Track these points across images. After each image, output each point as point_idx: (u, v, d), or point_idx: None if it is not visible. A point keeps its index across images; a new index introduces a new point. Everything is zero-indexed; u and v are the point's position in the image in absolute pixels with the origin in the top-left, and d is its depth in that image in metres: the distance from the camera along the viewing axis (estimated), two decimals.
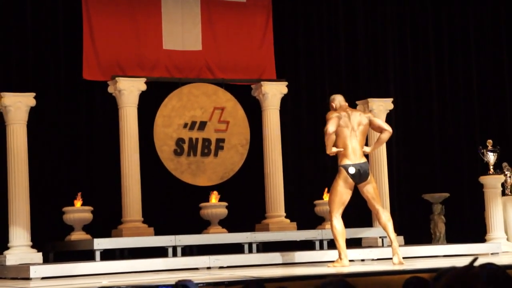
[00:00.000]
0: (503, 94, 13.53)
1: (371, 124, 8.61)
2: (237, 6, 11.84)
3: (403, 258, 8.47)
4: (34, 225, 9.96)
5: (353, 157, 8.43)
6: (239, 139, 11.48)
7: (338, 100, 8.66)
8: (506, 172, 11.68)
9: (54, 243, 10.40)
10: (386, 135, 8.66)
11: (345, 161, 8.44)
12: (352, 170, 8.40)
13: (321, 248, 10.39)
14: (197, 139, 11.26)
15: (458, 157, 13.13)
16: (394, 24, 13.06)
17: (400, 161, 12.78)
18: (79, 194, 10.47)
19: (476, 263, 2.77)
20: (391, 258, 8.44)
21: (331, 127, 8.36)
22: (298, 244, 10.59)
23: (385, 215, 8.57)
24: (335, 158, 8.71)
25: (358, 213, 10.77)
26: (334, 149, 8.50)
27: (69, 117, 11.11)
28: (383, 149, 11.32)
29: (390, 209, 11.47)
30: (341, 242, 8.40)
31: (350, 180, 8.42)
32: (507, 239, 11.38)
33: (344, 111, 8.54)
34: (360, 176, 8.44)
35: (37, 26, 11.01)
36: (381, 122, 8.77)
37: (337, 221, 8.42)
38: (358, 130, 8.49)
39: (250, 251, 10.09)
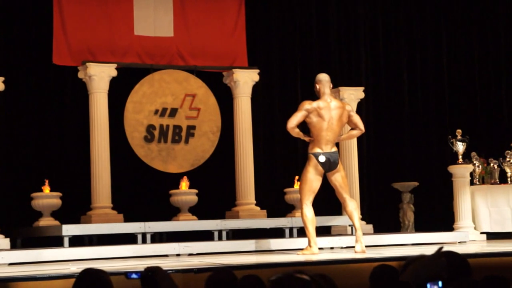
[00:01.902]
0: (473, 84, 13.63)
1: (348, 118, 8.60)
2: None
3: (372, 246, 8.52)
4: (2, 211, 9.88)
5: (324, 147, 8.43)
6: (210, 126, 11.45)
7: (323, 84, 8.48)
8: (474, 162, 11.78)
9: (22, 229, 10.32)
10: (357, 133, 8.80)
11: (316, 149, 8.44)
12: (322, 159, 8.41)
13: (291, 236, 10.42)
14: (168, 126, 11.22)
15: (428, 146, 13.23)
16: (366, 13, 13.09)
17: (370, 150, 12.85)
18: (47, 180, 10.39)
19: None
20: (354, 247, 8.49)
21: (290, 122, 8.33)
22: (268, 231, 10.61)
23: (351, 204, 8.59)
24: (307, 146, 8.71)
25: (328, 201, 10.81)
26: (307, 138, 8.50)
27: (38, 102, 11.02)
28: None
29: (360, 198, 11.54)
30: (311, 230, 8.42)
31: (320, 168, 8.43)
32: (475, 228, 11.50)
33: (324, 100, 8.47)
34: (330, 164, 8.46)
35: (6, 10, 10.87)
36: (358, 120, 8.68)
37: (308, 209, 8.44)
38: (336, 124, 8.45)
39: (220, 238, 10.10)
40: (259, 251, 9.41)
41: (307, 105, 8.43)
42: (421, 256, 2.76)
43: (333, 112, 8.44)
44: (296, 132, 8.43)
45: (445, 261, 2.70)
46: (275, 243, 9.66)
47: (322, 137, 8.40)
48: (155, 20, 11.39)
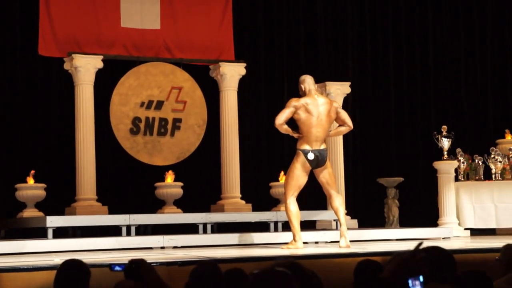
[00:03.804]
0: (459, 80, 13.69)
1: (336, 115, 8.61)
2: None
3: (357, 241, 8.53)
4: None
5: (313, 144, 8.43)
6: (196, 120, 11.44)
7: (308, 82, 8.53)
8: (459, 158, 11.81)
9: (5, 220, 10.28)
10: (345, 129, 8.77)
11: (305, 146, 8.43)
12: (311, 156, 8.41)
13: (276, 229, 10.43)
14: (153, 119, 11.19)
15: (413, 142, 13.27)
16: (353, 8, 13.10)
17: (356, 145, 12.87)
18: (32, 171, 10.35)
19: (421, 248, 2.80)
20: (338, 241, 8.51)
21: (278, 119, 8.31)
22: (253, 225, 10.62)
23: (338, 200, 8.60)
24: (293, 141, 8.70)
25: (313, 195, 10.82)
26: (296, 134, 8.50)
27: (24, 93, 10.97)
28: None
29: (345, 192, 11.56)
30: (296, 224, 8.43)
31: (308, 165, 8.43)
32: (459, 224, 11.54)
33: (311, 97, 8.48)
34: (318, 162, 8.46)
35: None
36: (346, 116, 8.69)
37: (292, 204, 8.45)
38: (325, 120, 8.46)
39: (205, 231, 10.09)
40: (243, 245, 9.41)
41: (295, 102, 8.45)
42: (404, 252, 2.76)
43: (321, 108, 8.44)
44: (284, 129, 8.43)
45: (425, 256, 2.71)
46: (259, 236, 9.66)
47: (311, 134, 8.39)
48: (142, 12, 11.35)
